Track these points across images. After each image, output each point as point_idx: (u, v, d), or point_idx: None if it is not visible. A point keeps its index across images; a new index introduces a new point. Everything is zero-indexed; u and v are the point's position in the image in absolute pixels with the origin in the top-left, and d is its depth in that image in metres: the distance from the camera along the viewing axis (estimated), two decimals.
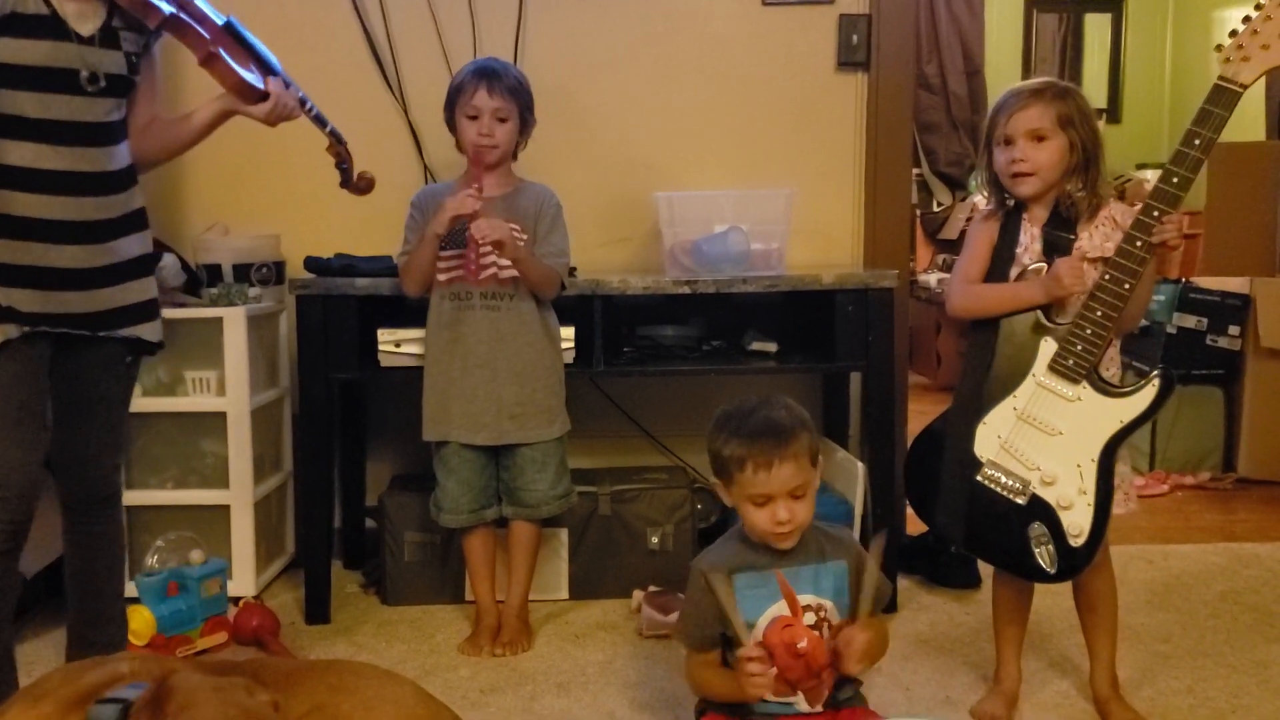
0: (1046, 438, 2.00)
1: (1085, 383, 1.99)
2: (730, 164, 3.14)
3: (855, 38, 3.10)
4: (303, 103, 2.16)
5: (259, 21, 2.97)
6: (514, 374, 2.49)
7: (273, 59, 2.13)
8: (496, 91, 2.45)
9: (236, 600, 2.66)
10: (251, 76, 2.06)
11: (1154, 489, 3.96)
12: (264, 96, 2.05)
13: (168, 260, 2.82)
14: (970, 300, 2.11)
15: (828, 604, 1.81)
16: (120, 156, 2.00)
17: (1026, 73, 6.21)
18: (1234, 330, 4.09)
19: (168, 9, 1.96)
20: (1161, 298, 4.27)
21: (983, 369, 2.07)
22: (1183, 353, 4.14)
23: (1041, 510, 2.00)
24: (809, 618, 1.78)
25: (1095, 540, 1.99)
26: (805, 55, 3.13)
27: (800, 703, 1.78)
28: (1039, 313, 2.02)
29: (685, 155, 3.14)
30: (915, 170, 4.17)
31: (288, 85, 2.11)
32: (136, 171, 2.07)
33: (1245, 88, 1.90)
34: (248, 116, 2.07)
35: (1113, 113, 6.16)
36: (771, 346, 2.87)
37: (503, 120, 2.46)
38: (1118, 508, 2.03)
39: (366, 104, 3.07)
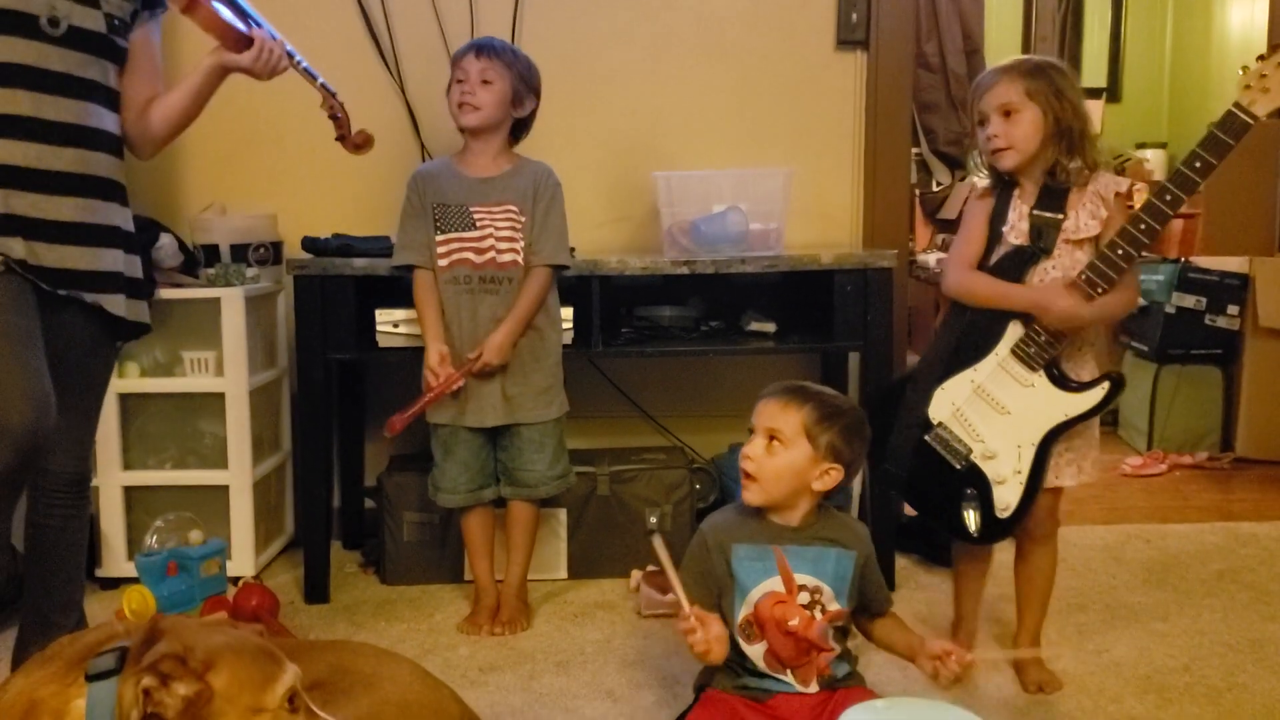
0: (996, 414, 2.08)
1: (1042, 372, 2.06)
2: (729, 143, 3.13)
3: (855, 16, 3.09)
4: (290, 55, 2.16)
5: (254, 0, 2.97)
6: (513, 355, 2.49)
7: (256, 14, 2.14)
8: (484, 55, 2.44)
9: (236, 580, 2.67)
10: (234, 20, 2.06)
11: (1152, 468, 3.97)
12: (250, 43, 2.06)
13: (165, 240, 2.81)
14: (964, 287, 2.15)
15: (825, 587, 1.81)
16: (100, 118, 1.98)
17: (1026, 52, 6.18)
18: (1233, 310, 4.10)
19: None
20: (1160, 277, 4.27)
21: (954, 336, 2.15)
22: (1181, 332, 4.15)
23: (977, 479, 2.10)
24: (803, 597, 1.79)
25: (1019, 516, 2.09)
26: (804, 34, 3.12)
27: (792, 681, 1.80)
28: None
29: (684, 134, 3.13)
30: (914, 150, 4.17)
31: (274, 38, 2.11)
32: (125, 147, 2.07)
33: (1256, 120, 1.91)
34: (238, 69, 2.07)
35: (1113, 92, 6.13)
36: (770, 327, 2.86)
37: (488, 83, 2.44)
38: (1070, 479, 2.13)
39: (363, 82, 3.06)
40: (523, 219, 2.48)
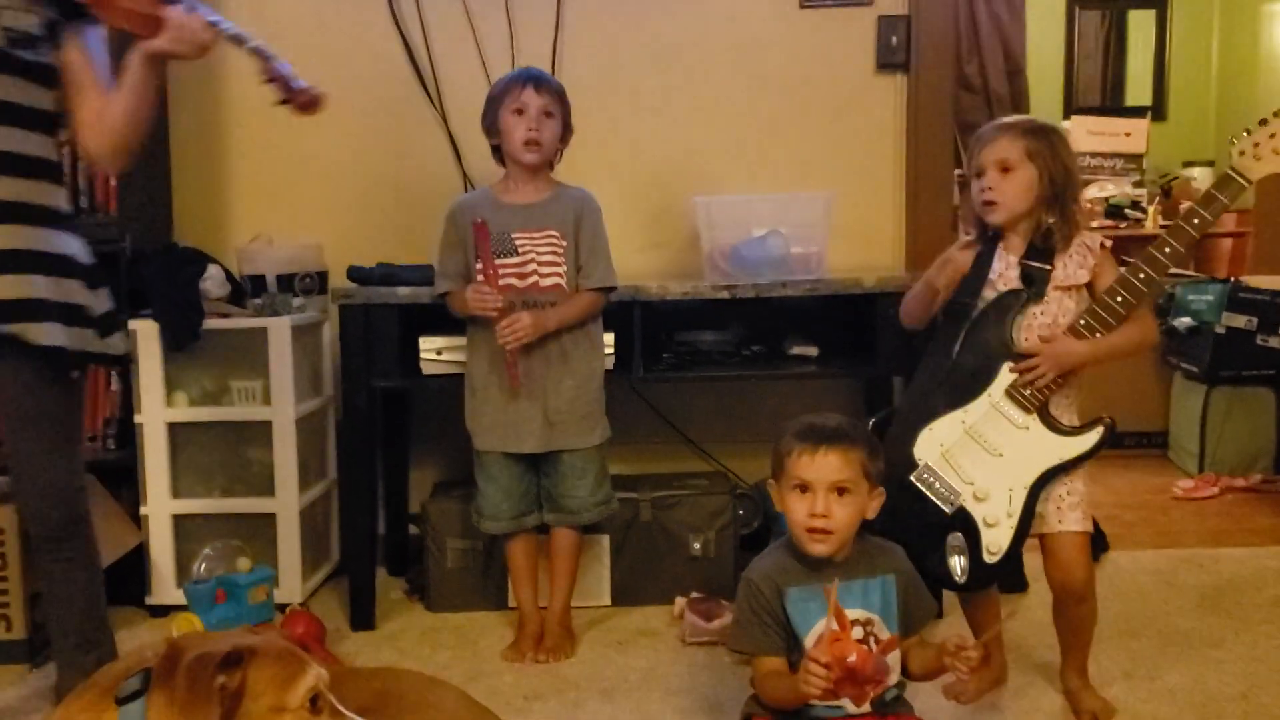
0: (988, 456, 2.06)
1: (1036, 414, 2.05)
2: (769, 167, 3.14)
3: (894, 39, 3.08)
4: (214, 24, 1.98)
5: (298, 34, 3.02)
6: (555, 381, 2.50)
7: None
8: (544, 90, 2.46)
9: (283, 607, 2.68)
10: (142, 6, 1.93)
11: (1204, 491, 3.89)
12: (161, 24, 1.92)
13: (212, 271, 2.86)
14: (904, 308, 2.24)
15: (875, 618, 1.81)
16: (34, 144, 1.92)
17: (1069, 71, 6.13)
18: None
19: None
20: (1210, 297, 4.20)
21: (938, 374, 2.13)
22: (1232, 353, 4.07)
23: (964, 522, 2.06)
24: (857, 632, 1.78)
25: (1008, 560, 2.05)
26: (844, 57, 3.12)
27: (846, 704, 1.78)
28: (1008, 337, 2.07)
29: (723, 159, 3.14)
30: (957, 171, 4.14)
31: (194, 11, 1.95)
32: (90, 163, 2.08)
33: (1250, 183, 2.00)
34: (163, 54, 1.93)
35: (1158, 111, 6.06)
36: (812, 351, 2.85)
37: (549, 116, 2.46)
38: (1075, 524, 2.09)
39: (407, 114, 3.10)
40: (564, 243, 2.49)
